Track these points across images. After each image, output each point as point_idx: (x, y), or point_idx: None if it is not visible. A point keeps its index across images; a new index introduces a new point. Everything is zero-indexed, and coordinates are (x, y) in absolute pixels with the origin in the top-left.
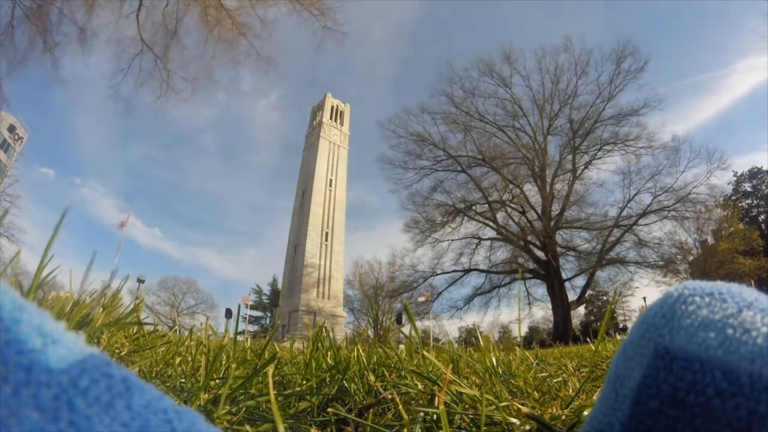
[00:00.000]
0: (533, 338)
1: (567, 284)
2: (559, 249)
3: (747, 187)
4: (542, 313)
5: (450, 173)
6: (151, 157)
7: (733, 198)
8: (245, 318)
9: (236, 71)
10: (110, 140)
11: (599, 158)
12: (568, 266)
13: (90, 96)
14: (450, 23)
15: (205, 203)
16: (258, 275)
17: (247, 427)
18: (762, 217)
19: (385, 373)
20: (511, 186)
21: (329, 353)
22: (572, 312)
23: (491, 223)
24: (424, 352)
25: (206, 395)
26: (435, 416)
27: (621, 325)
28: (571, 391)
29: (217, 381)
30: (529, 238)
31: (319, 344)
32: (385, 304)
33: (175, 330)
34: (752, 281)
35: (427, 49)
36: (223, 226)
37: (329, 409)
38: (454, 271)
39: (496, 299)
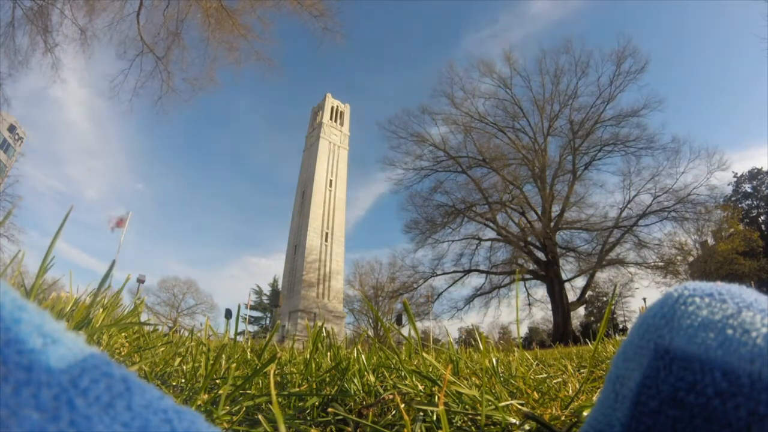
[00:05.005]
0: (533, 339)
1: (567, 285)
2: (559, 250)
3: (747, 188)
4: (542, 313)
5: (450, 174)
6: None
7: (733, 199)
8: (245, 318)
9: (237, 72)
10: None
11: (599, 159)
12: (568, 267)
13: None
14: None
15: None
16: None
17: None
18: (762, 218)
19: (385, 373)
20: (511, 187)
21: (329, 353)
22: (572, 313)
23: (491, 224)
24: (424, 353)
25: (206, 395)
26: (435, 416)
27: (621, 326)
28: (570, 391)
29: (217, 381)
30: (529, 238)
31: (319, 344)
32: (385, 304)
33: (175, 330)
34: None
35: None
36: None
37: (329, 410)
38: (455, 271)
39: (496, 300)
